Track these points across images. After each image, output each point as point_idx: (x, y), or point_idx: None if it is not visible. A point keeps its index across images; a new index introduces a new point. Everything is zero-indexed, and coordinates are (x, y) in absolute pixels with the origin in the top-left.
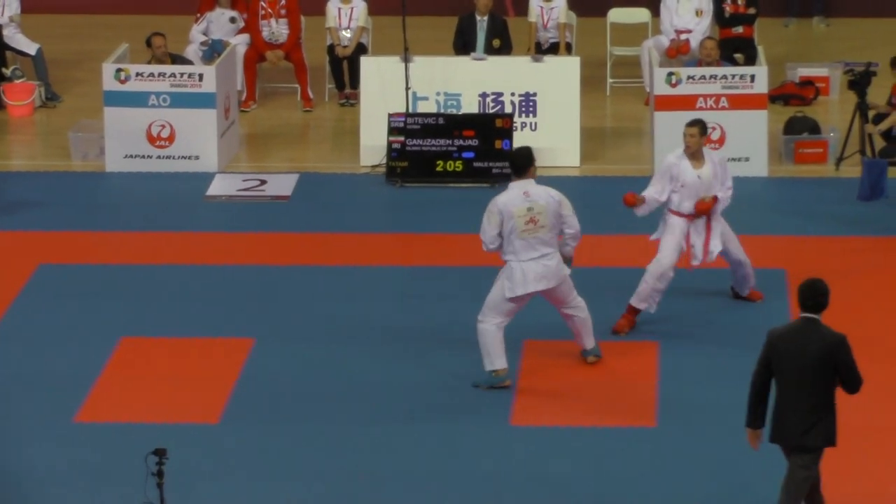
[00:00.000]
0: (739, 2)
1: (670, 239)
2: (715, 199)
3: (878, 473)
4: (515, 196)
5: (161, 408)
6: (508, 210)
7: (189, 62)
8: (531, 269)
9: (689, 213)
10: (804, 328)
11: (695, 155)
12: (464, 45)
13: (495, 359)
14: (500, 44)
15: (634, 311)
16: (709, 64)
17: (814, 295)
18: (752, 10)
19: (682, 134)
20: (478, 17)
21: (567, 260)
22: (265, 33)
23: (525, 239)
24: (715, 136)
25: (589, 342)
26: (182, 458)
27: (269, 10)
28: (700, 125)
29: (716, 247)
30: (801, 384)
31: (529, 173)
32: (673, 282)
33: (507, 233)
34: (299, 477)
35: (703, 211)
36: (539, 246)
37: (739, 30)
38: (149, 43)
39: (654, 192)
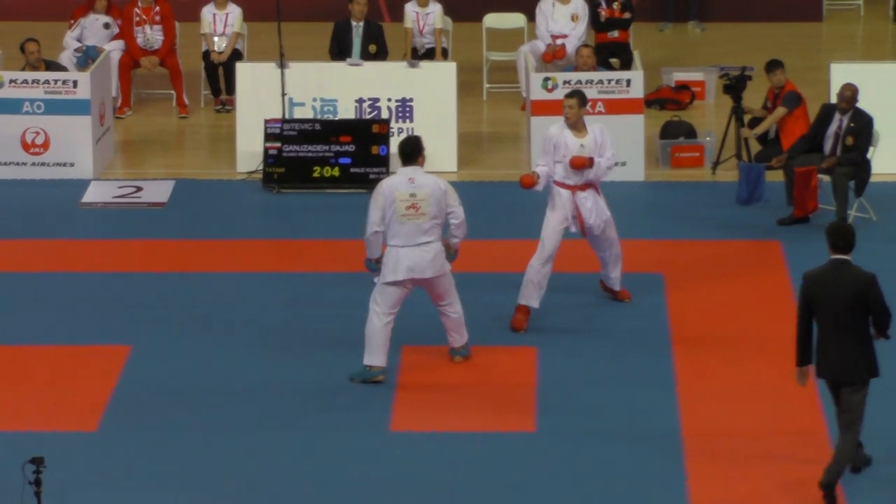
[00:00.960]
0: (615, 6)
1: (553, 220)
2: (591, 158)
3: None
4: (400, 180)
5: (38, 416)
6: (391, 193)
7: (63, 68)
8: (406, 256)
9: (575, 183)
10: (837, 269)
11: (575, 125)
12: (340, 50)
13: (373, 354)
14: (377, 49)
15: (525, 308)
16: (585, 71)
17: (844, 237)
18: (627, 15)
19: (562, 106)
20: (353, 23)
21: (452, 252)
22: (140, 39)
23: (404, 224)
24: None
25: (458, 341)
26: (60, 467)
27: (144, 17)
28: (579, 96)
29: (604, 214)
30: (839, 322)
31: (418, 161)
32: (551, 282)
33: (388, 217)
34: (179, 485)
35: (578, 165)
36: (418, 234)
37: (615, 34)
38: (22, 49)
39: (543, 166)
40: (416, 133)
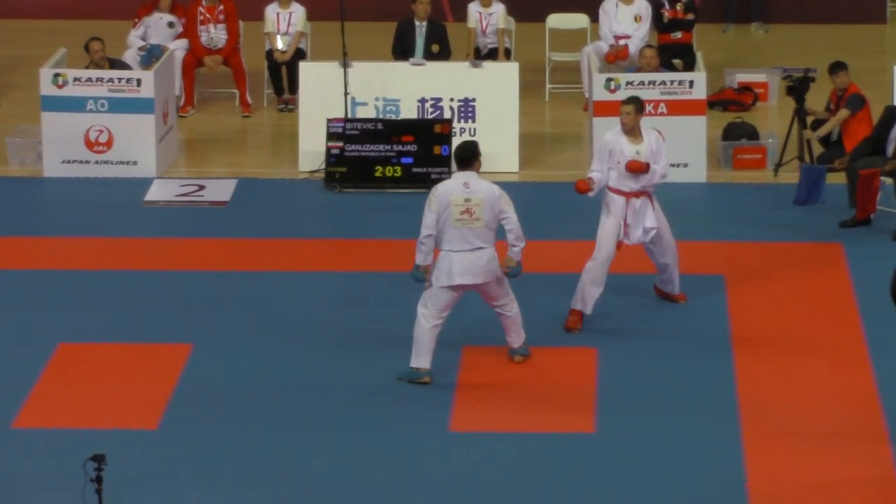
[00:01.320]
0: (678, 7)
1: (608, 225)
2: (647, 164)
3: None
4: (455, 185)
5: (100, 413)
6: (446, 197)
7: (128, 67)
8: (459, 261)
9: (630, 190)
10: None
11: (632, 132)
12: (403, 50)
13: (420, 356)
14: (439, 49)
15: (579, 312)
16: (649, 71)
17: None
18: (690, 16)
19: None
20: (416, 23)
21: (515, 265)
22: (203, 38)
23: (458, 229)
24: None
25: (516, 341)
26: (121, 464)
27: (208, 16)
28: (636, 102)
29: (651, 223)
30: None
31: (474, 166)
32: (610, 284)
33: (443, 221)
34: (238, 483)
35: (635, 170)
36: (472, 238)
37: (678, 35)
38: (87, 48)
39: (598, 172)
40: (477, 133)
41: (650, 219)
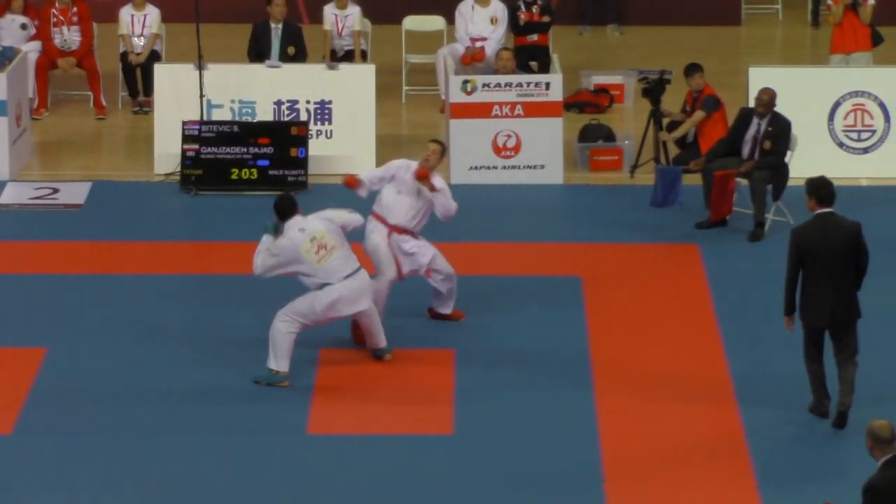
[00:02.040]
0: (534, 10)
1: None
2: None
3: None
4: (294, 236)
5: None
6: (294, 251)
7: None
8: (346, 289)
9: (395, 223)
10: (825, 221)
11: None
12: (258, 52)
13: (281, 360)
14: (295, 51)
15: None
16: (505, 73)
17: (829, 188)
18: (546, 19)
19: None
20: (272, 25)
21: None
22: (57, 40)
23: (326, 265)
24: (511, 143)
25: (382, 341)
26: None
27: (61, 18)
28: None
29: (421, 256)
30: (834, 269)
31: (297, 213)
32: (466, 289)
33: (308, 270)
34: (94, 488)
35: (422, 177)
36: (343, 267)
37: (534, 38)
38: None
39: (373, 176)
40: (334, 135)
41: (419, 254)
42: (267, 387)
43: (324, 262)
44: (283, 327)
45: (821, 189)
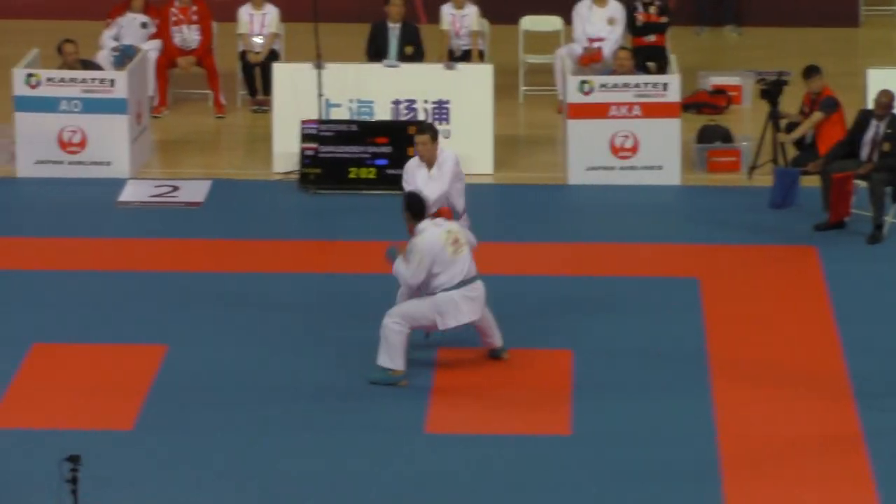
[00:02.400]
0: (651, 10)
1: None
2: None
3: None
4: (434, 232)
5: (75, 414)
6: (435, 247)
7: (100, 68)
8: (463, 298)
9: None
10: None
11: (430, 162)
12: (376, 52)
13: (396, 358)
14: (413, 51)
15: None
16: (623, 74)
17: None
18: (664, 19)
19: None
20: (390, 25)
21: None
22: (177, 39)
23: (456, 259)
24: (628, 144)
25: (498, 340)
26: (96, 465)
27: (181, 17)
28: (430, 131)
29: None
30: None
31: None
32: (583, 290)
33: (436, 270)
34: (213, 484)
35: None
36: (470, 266)
37: (652, 38)
38: (60, 50)
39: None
40: (452, 135)
41: None
42: (386, 387)
43: (458, 255)
44: (394, 328)
45: None
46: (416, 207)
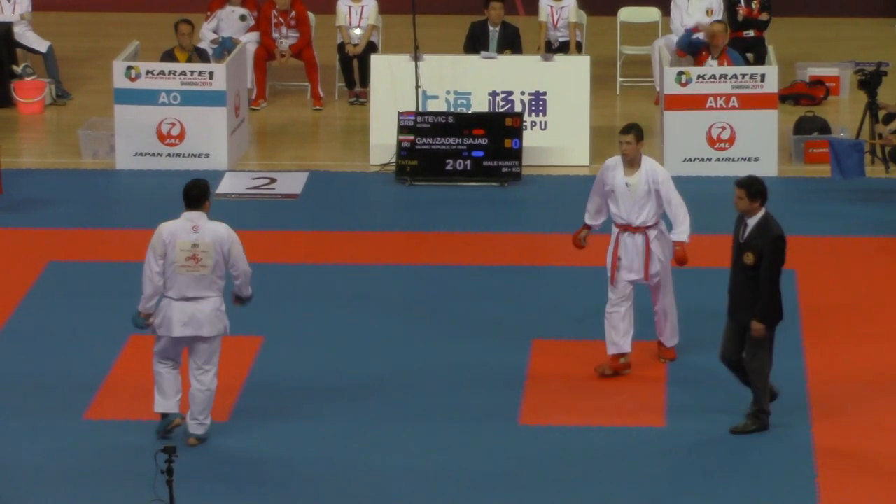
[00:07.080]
0: (753, 6)
1: (608, 261)
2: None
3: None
4: (183, 227)
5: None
6: (172, 240)
7: (208, 57)
8: (180, 311)
9: (622, 222)
10: None
11: (632, 162)
12: (475, 51)
13: (165, 399)
14: (512, 53)
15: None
16: (716, 47)
17: None
18: (765, 16)
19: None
20: (490, 27)
21: (244, 299)
22: (275, 37)
23: (181, 275)
24: (725, 135)
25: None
26: (192, 456)
27: (281, 20)
28: (636, 131)
29: (655, 268)
30: None
31: (204, 206)
32: (680, 280)
33: (167, 265)
34: (308, 475)
35: (682, 262)
36: (195, 288)
37: (751, 33)
38: (176, 28)
39: (587, 213)
40: (548, 127)
41: (655, 264)
42: (478, 376)
43: (182, 272)
44: (155, 364)
45: None
46: (189, 192)
